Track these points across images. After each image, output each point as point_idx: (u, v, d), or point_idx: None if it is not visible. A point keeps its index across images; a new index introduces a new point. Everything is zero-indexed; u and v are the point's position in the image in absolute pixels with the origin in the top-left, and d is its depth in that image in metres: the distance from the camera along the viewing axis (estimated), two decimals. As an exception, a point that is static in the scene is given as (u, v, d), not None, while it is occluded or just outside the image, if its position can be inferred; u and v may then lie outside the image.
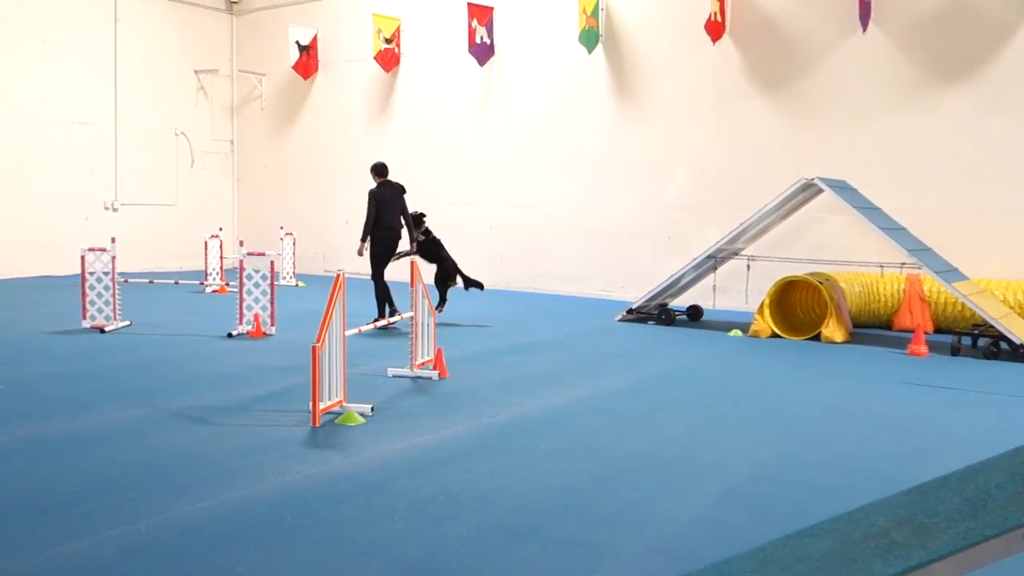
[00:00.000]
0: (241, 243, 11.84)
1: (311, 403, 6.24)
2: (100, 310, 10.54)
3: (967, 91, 11.95)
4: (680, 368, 8.82)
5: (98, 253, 10.57)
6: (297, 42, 18.12)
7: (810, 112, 13.07)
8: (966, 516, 2.29)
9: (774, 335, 10.88)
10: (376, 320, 10.24)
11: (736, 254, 11.97)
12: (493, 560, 3.94)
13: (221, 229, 16.29)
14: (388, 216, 10.95)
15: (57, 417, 6.36)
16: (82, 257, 10.53)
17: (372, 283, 11.07)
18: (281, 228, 16.70)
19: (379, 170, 11.20)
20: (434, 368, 8.01)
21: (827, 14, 12.85)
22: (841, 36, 12.76)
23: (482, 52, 15.82)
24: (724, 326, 11.70)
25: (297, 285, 15.92)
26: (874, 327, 11.83)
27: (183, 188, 19.18)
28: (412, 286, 7.96)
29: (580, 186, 15.23)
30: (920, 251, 10.20)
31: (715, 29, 13.39)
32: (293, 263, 16.43)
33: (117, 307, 10.61)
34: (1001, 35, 11.70)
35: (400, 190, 11.17)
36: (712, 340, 10.74)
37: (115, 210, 17.99)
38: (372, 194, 10.96)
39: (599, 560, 3.97)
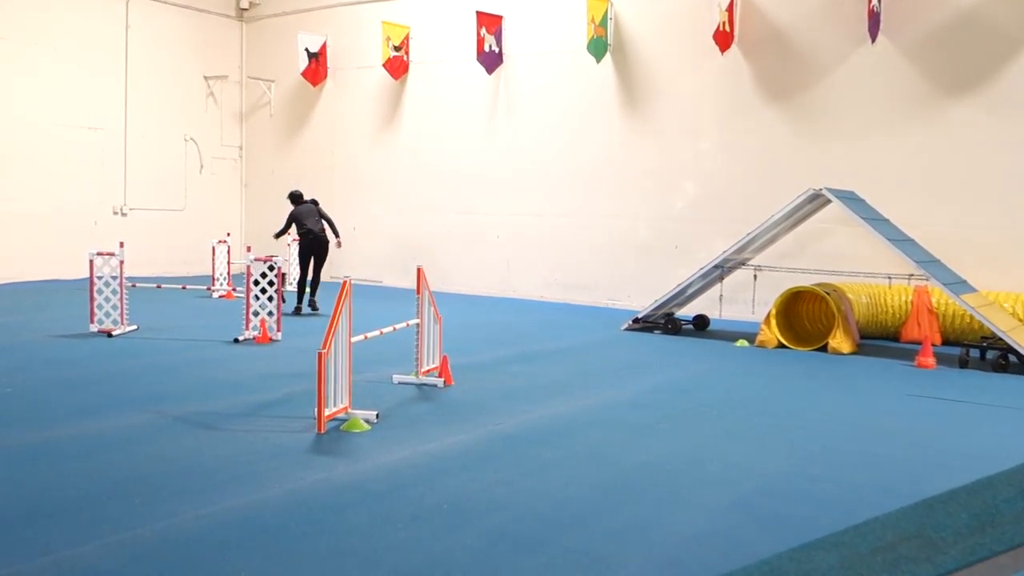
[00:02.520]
0: (248, 249, 11.85)
1: (316, 409, 6.24)
2: (108, 314, 10.56)
3: (976, 103, 11.93)
4: (686, 378, 8.80)
5: (106, 257, 10.59)
6: (306, 49, 18.17)
7: (818, 123, 13.06)
8: (974, 531, 2.27)
9: (781, 345, 10.85)
10: (297, 308, 12.94)
11: (743, 264, 11.95)
12: (498, 571, 3.93)
13: (229, 234, 16.32)
14: (306, 222, 13.17)
15: (63, 421, 6.37)
16: (90, 261, 10.55)
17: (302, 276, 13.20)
18: (288, 234, 16.72)
19: (295, 198, 13.60)
20: (439, 376, 8.01)
21: (836, 25, 12.85)
22: (850, 47, 12.75)
23: (491, 60, 15.84)
24: (730, 336, 11.67)
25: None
26: (881, 339, 11.79)
27: (191, 193, 19.24)
28: (418, 293, 7.96)
29: (587, 195, 15.23)
30: (928, 263, 10.16)
31: (724, 39, 13.39)
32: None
33: (125, 311, 10.63)
34: (1010, 48, 11.68)
35: (315, 203, 13.44)
36: (718, 350, 10.72)
37: (124, 215, 18.06)
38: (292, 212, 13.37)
39: (605, 572, 3.96)
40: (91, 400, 7.09)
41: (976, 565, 2.15)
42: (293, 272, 15.38)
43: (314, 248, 13.19)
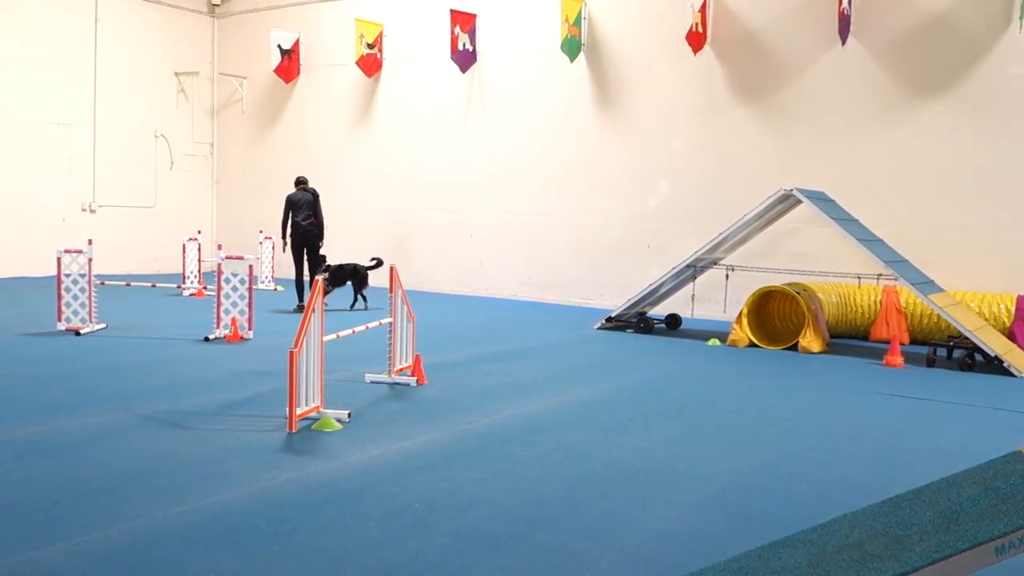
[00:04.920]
0: (219, 246, 11.76)
1: (288, 408, 6.21)
2: (76, 312, 10.43)
3: (944, 105, 12.09)
4: (658, 377, 8.84)
5: (74, 255, 10.46)
6: (279, 46, 18.06)
7: (790, 123, 13.17)
8: (939, 529, 2.31)
9: (752, 344, 10.93)
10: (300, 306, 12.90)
11: (715, 263, 12.02)
12: (470, 569, 3.93)
13: (200, 232, 16.19)
14: (297, 215, 13.02)
15: (30, 420, 6.29)
16: (58, 259, 10.42)
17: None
18: (260, 232, 16.62)
19: (296, 182, 13.37)
20: (412, 374, 7.99)
21: (807, 27, 12.96)
22: (821, 49, 12.87)
23: (464, 59, 15.82)
24: (702, 335, 11.74)
25: (276, 289, 15.84)
26: (851, 337, 11.92)
27: (162, 190, 19.05)
28: (391, 291, 7.94)
29: (561, 194, 15.26)
30: (897, 263, 10.29)
31: (696, 40, 13.47)
32: (272, 267, 16.36)
33: (93, 309, 10.51)
34: (978, 51, 11.84)
35: (315, 195, 13.20)
36: (690, 349, 10.78)
37: (93, 212, 17.84)
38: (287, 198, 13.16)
39: (576, 569, 3.97)
40: (58, 399, 7.00)
41: (941, 562, 2.18)
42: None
43: (305, 241, 12.98)
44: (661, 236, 14.20)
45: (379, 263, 13.94)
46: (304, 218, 12.92)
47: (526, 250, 15.71)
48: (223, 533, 4.24)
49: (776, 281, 11.54)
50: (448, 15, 15.63)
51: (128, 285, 12.69)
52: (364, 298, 13.52)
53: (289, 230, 12.97)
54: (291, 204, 12.96)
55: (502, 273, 16.02)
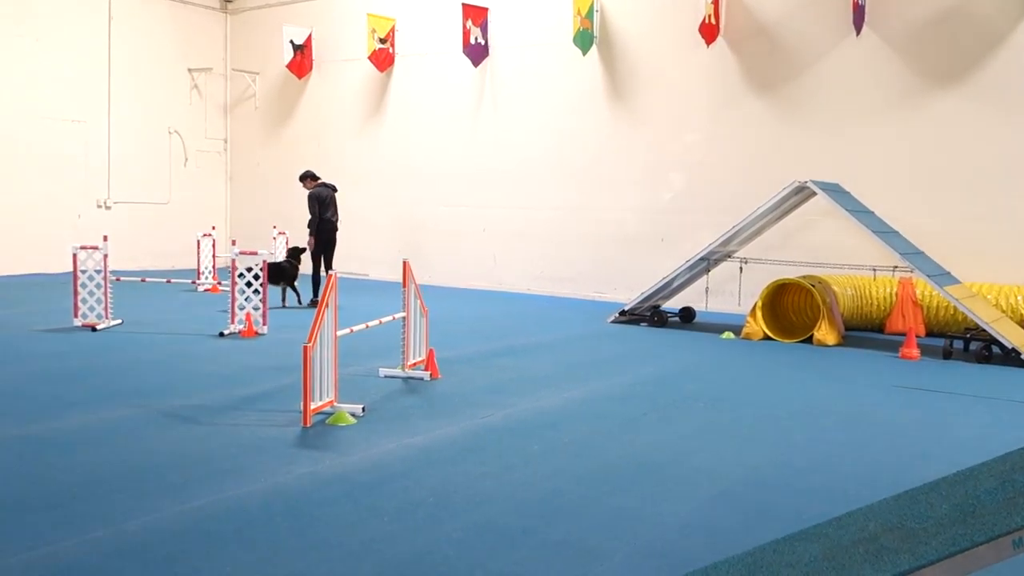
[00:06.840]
0: (234, 242, 11.80)
1: (302, 403, 6.23)
2: (92, 308, 10.50)
3: (960, 95, 11.98)
4: (672, 370, 8.82)
5: (90, 251, 10.53)
6: (291, 41, 18.08)
7: (804, 115, 13.09)
8: (956, 522, 2.29)
9: (766, 337, 10.89)
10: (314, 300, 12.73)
11: (729, 256, 11.98)
12: (483, 562, 3.94)
13: (214, 228, 16.24)
14: (328, 211, 13.08)
15: (46, 416, 6.33)
16: (74, 255, 10.48)
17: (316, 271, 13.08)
18: (274, 227, 16.66)
19: (314, 176, 13.30)
20: (426, 369, 8.00)
21: (821, 17, 12.87)
22: (835, 40, 12.78)
23: (476, 53, 15.80)
24: (716, 328, 11.70)
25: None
26: (866, 330, 11.85)
27: (176, 186, 19.13)
28: (404, 286, 7.95)
29: (573, 188, 15.23)
30: (913, 255, 10.22)
31: (709, 32, 13.40)
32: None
33: (109, 305, 10.56)
34: (994, 41, 11.73)
35: (334, 190, 13.26)
36: (704, 342, 10.75)
37: (108, 208, 17.94)
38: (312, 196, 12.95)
39: (590, 563, 3.96)
40: (75, 394, 7.05)
41: (957, 556, 2.17)
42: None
43: (331, 236, 13.05)
44: (674, 229, 14.15)
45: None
46: (332, 214, 13.08)
47: (539, 244, 15.69)
48: (239, 527, 4.26)
49: (791, 274, 11.49)
50: (460, 9, 15.60)
51: (143, 281, 12.75)
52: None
53: (319, 225, 12.90)
54: (321, 201, 12.90)
55: (515, 267, 16.01)
